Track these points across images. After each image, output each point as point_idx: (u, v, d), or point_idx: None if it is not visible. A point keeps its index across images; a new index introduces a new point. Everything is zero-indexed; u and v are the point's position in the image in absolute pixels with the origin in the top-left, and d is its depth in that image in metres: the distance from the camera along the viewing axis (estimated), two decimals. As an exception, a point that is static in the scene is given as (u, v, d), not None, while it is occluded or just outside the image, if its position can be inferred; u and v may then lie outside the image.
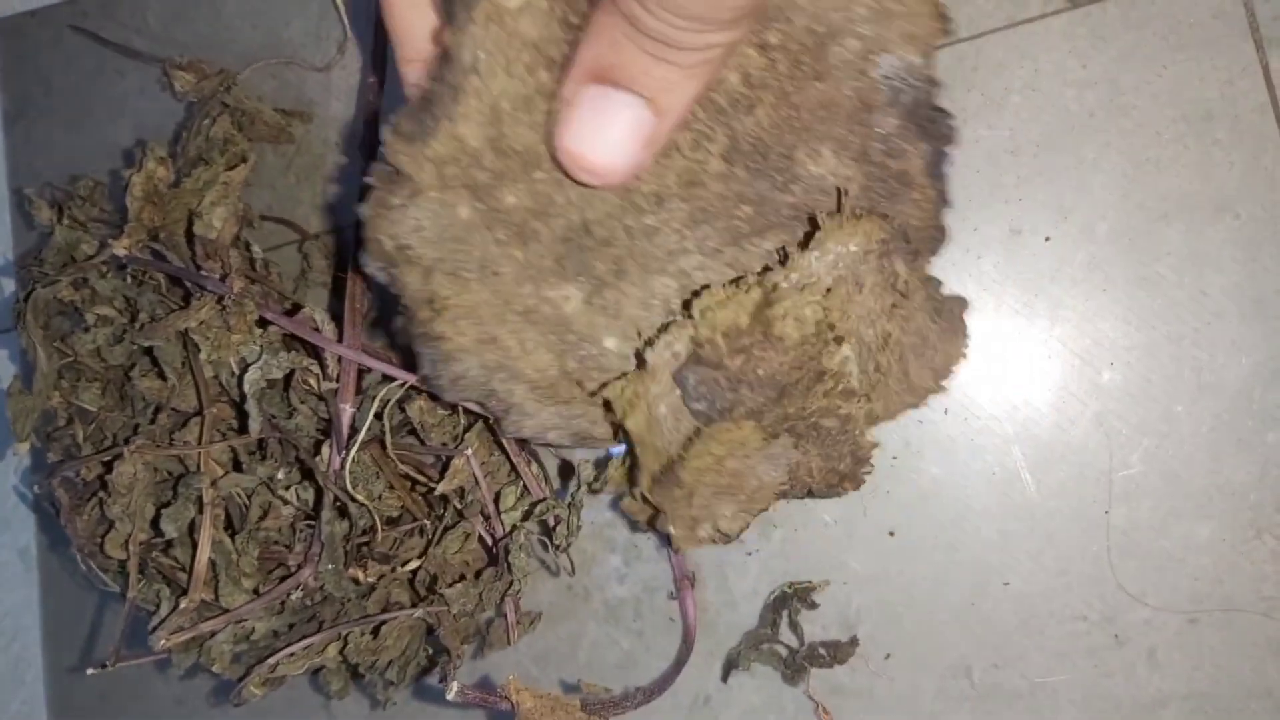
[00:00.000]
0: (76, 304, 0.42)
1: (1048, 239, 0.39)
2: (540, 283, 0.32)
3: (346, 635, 0.38)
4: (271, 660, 0.37)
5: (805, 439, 0.32)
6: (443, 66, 0.29)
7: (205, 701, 0.47)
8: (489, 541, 0.40)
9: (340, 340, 0.39)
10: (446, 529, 0.40)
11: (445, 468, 0.39)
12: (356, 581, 0.39)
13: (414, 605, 0.39)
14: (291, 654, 0.38)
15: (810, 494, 0.34)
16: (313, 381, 0.39)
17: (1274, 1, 0.37)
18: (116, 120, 0.48)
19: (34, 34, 0.49)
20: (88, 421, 0.42)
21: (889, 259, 0.31)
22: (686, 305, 0.32)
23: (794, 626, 0.40)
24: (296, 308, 0.40)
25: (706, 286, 0.32)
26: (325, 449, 0.38)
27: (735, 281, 0.32)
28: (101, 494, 0.40)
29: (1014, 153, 0.39)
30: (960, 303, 0.34)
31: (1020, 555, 0.39)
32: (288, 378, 0.39)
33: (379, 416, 0.38)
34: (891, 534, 0.40)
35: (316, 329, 0.39)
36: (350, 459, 0.38)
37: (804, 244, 0.31)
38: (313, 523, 0.39)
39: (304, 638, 0.38)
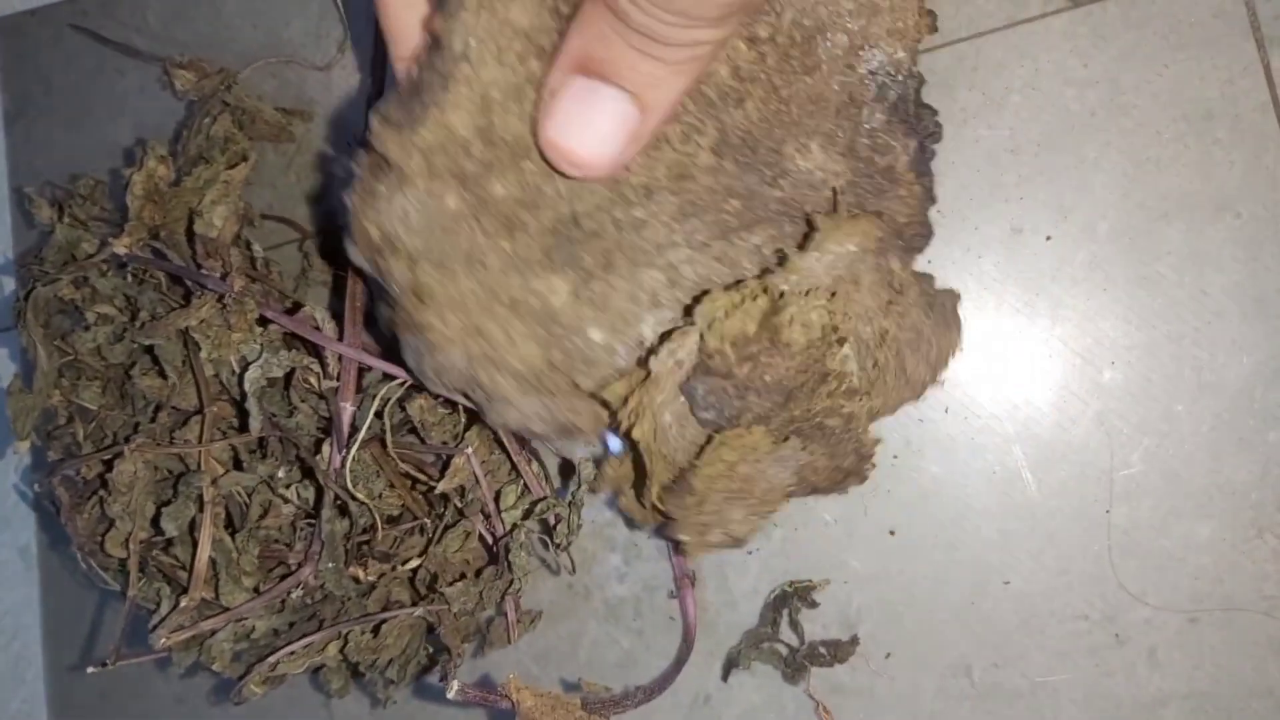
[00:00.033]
0: (77, 302, 0.42)
1: (1048, 238, 0.39)
2: (527, 274, 0.32)
3: (347, 634, 0.38)
4: (272, 659, 0.37)
5: (811, 439, 0.32)
6: (433, 54, 0.29)
7: (205, 700, 0.47)
8: (489, 540, 0.40)
9: (341, 339, 0.39)
10: (447, 527, 0.40)
11: (446, 466, 0.39)
12: (357, 580, 0.39)
13: (414, 604, 0.39)
14: (292, 652, 0.37)
15: (816, 491, 0.34)
16: (313, 380, 0.39)
17: (1275, 0, 0.37)
18: (117, 119, 0.48)
19: (34, 33, 0.49)
20: (88, 420, 0.42)
21: (884, 257, 0.31)
22: (688, 310, 0.32)
23: (794, 625, 0.40)
24: (297, 306, 0.40)
25: (707, 292, 0.32)
26: (326, 447, 0.38)
27: (735, 285, 0.31)
28: (102, 492, 0.40)
29: (1014, 152, 0.39)
30: (952, 296, 0.34)
31: (1021, 554, 0.39)
32: (288, 376, 0.39)
33: (379, 415, 0.38)
34: (892, 533, 0.40)
35: (317, 327, 0.39)
36: (351, 457, 0.38)
37: (802, 245, 0.31)
38: (313, 521, 0.39)
39: (304, 636, 0.38)
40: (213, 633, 0.38)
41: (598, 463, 0.37)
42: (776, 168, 0.32)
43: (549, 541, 0.40)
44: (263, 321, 0.39)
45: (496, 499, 0.39)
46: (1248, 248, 0.37)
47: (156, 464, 0.39)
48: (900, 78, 0.31)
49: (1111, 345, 0.38)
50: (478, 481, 0.39)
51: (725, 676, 0.41)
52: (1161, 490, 0.38)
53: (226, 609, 0.38)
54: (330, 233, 0.45)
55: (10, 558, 0.50)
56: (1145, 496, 0.38)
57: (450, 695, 0.34)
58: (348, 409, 0.38)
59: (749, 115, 0.31)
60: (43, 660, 0.49)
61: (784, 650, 0.40)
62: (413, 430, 0.40)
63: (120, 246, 0.39)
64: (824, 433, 0.32)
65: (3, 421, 0.46)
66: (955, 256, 0.39)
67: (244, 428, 0.39)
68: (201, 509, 0.38)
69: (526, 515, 0.39)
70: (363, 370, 0.39)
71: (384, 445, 0.38)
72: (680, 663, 0.39)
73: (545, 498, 0.39)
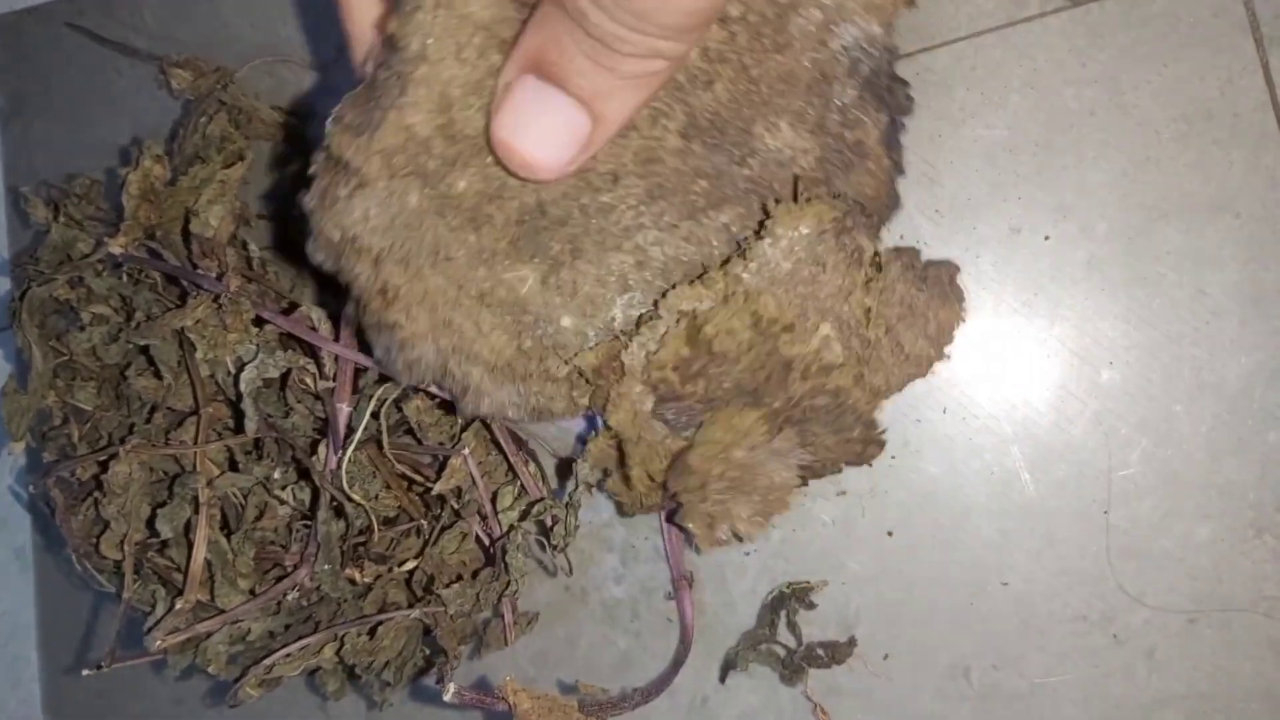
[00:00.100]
0: (72, 303, 0.41)
1: (1047, 238, 0.39)
2: (495, 265, 0.32)
3: (343, 636, 0.38)
4: (267, 661, 0.37)
5: (807, 423, 0.33)
6: (389, 54, 0.29)
7: (201, 703, 0.47)
8: (486, 541, 0.40)
9: (337, 339, 0.39)
10: (443, 529, 0.39)
11: (442, 467, 0.39)
12: (353, 582, 0.39)
13: (411, 606, 0.39)
14: (288, 655, 0.37)
15: (838, 469, 0.35)
16: (309, 380, 0.39)
17: (1275, 0, 0.37)
18: (113, 118, 0.48)
19: (31, 31, 0.49)
20: (83, 421, 0.42)
21: (848, 235, 0.31)
22: (658, 301, 0.32)
23: (792, 627, 0.40)
24: (293, 306, 0.40)
25: (674, 286, 0.32)
26: (322, 448, 0.38)
27: (700, 278, 0.32)
28: (97, 494, 0.39)
29: (1013, 151, 0.39)
30: (949, 268, 0.34)
31: (1019, 555, 0.39)
32: (284, 377, 0.39)
33: (375, 416, 0.38)
34: (890, 534, 0.40)
35: (313, 328, 0.39)
36: (347, 458, 0.38)
37: (758, 233, 0.32)
38: (309, 523, 0.39)
39: (300, 638, 0.38)
40: (208, 635, 0.38)
41: (583, 440, 0.37)
42: (745, 147, 0.32)
43: (546, 543, 0.40)
44: (259, 322, 0.39)
45: (493, 500, 0.39)
46: (1246, 248, 0.37)
47: (152, 465, 0.39)
48: (875, 52, 0.31)
49: (1110, 345, 0.38)
50: (474, 483, 0.39)
51: (723, 678, 0.41)
52: (1160, 490, 0.38)
53: (222, 611, 0.38)
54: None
55: (5, 559, 0.50)
56: (1144, 497, 0.38)
57: (447, 697, 0.34)
58: (344, 410, 0.38)
59: (718, 97, 0.31)
60: (38, 662, 0.49)
61: (782, 652, 0.40)
62: (409, 431, 0.40)
63: (116, 246, 0.39)
64: (817, 413, 0.32)
65: (-2, 422, 0.46)
66: (953, 256, 0.39)
67: (239, 429, 0.39)
68: (197, 510, 0.38)
69: (523, 516, 0.39)
70: (359, 371, 0.39)
71: (380, 446, 0.38)
72: (678, 664, 0.39)
73: (542, 499, 0.39)
